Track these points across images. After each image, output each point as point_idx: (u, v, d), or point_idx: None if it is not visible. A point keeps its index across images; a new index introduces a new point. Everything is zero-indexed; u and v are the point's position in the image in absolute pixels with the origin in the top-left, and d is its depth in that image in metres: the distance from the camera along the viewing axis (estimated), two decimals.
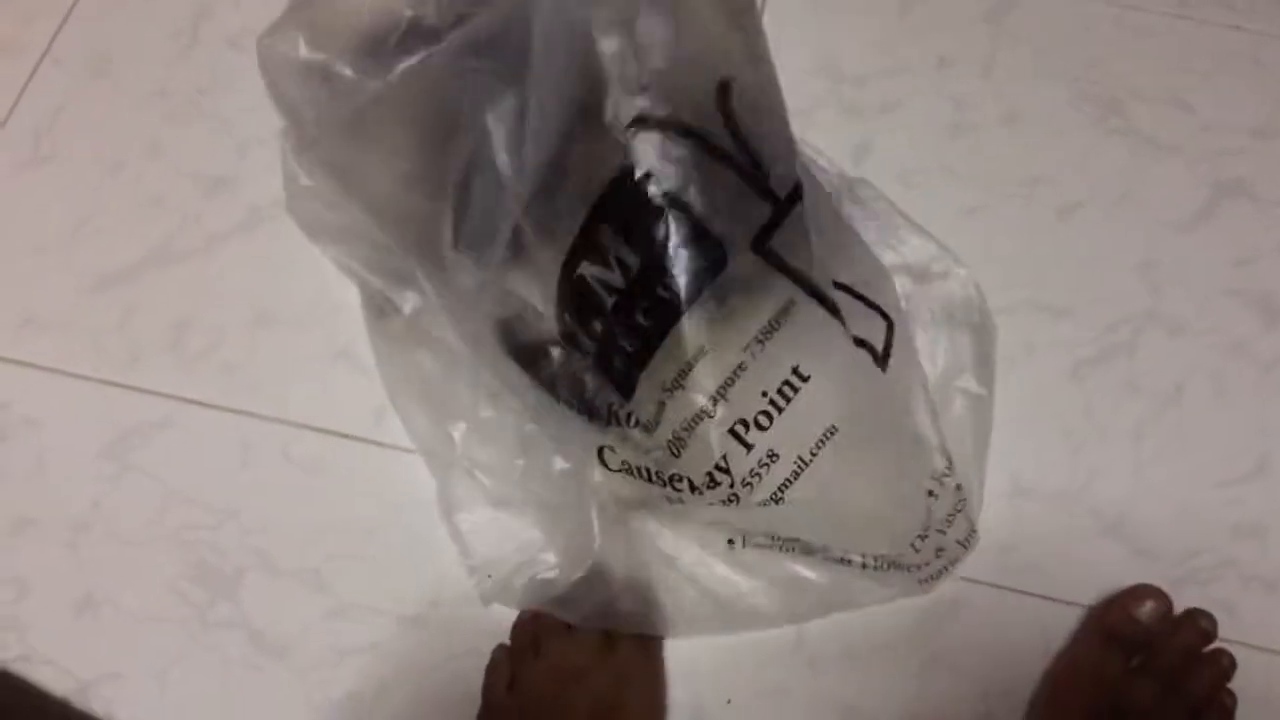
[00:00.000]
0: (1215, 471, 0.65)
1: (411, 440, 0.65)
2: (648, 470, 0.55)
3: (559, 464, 0.61)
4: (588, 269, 0.52)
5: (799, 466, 0.52)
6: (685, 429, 0.52)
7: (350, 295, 0.67)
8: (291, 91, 0.55)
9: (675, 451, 0.52)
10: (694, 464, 0.52)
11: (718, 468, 0.52)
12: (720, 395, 0.51)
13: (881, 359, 0.57)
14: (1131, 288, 0.70)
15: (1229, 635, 0.60)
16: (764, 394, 0.51)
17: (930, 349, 0.65)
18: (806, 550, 0.59)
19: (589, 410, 0.56)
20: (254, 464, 0.67)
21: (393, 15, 0.53)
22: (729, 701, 0.61)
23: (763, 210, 0.51)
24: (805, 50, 0.77)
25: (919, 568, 0.59)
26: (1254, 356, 0.68)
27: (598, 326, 0.53)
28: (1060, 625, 0.62)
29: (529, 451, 0.61)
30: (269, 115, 0.60)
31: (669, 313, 0.50)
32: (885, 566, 0.59)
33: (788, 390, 0.51)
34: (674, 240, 0.49)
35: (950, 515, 0.59)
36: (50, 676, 0.62)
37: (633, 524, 0.61)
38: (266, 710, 0.62)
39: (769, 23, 0.77)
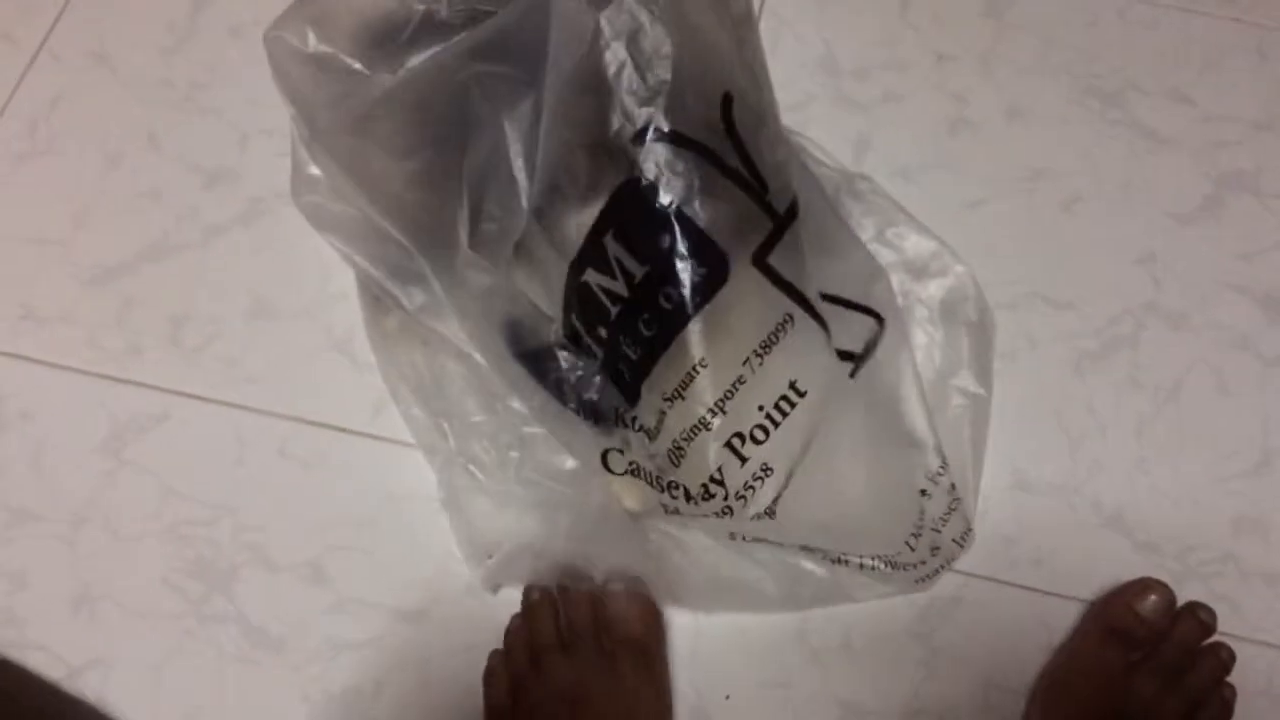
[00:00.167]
0: (1217, 466, 0.65)
1: (411, 434, 0.65)
2: (650, 473, 0.55)
3: (562, 461, 0.61)
4: (592, 276, 0.52)
5: (788, 480, 0.53)
6: (685, 439, 0.52)
7: (349, 288, 0.67)
8: (300, 84, 0.54)
9: (674, 461, 0.53)
10: (691, 474, 0.53)
11: (713, 480, 0.52)
12: (719, 408, 0.51)
13: (863, 358, 0.57)
14: (1133, 281, 0.70)
15: (1230, 630, 0.60)
16: (760, 408, 0.52)
17: (928, 347, 0.65)
18: (805, 548, 0.59)
19: (595, 414, 0.56)
20: (251, 458, 0.66)
21: (404, 8, 0.53)
22: (727, 697, 0.61)
23: (763, 224, 0.52)
24: (805, 45, 0.77)
25: (915, 566, 0.59)
26: (1256, 350, 0.68)
27: (603, 333, 0.54)
28: (1061, 619, 0.62)
29: (526, 447, 0.61)
30: (269, 107, 0.60)
31: (671, 323, 0.51)
32: (882, 565, 0.59)
33: (784, 405, 0.52)
34: (678, 251, 0.50)
35: (945, 514, 0.60)
36: (48, 672, 0.62)
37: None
38: (262, 704, 0.61)
39: (769, 18, 0.77)
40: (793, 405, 0.52)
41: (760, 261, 0.52)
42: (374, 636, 0.62)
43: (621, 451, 0.57)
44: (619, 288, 0.52)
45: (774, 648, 0.62)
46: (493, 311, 0.57)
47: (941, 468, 0.60)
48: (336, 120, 0.54)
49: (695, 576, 0.60)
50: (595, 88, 0.49)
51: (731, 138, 0.51)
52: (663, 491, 0.55)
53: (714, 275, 0.51)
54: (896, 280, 0.65)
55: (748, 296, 0.51)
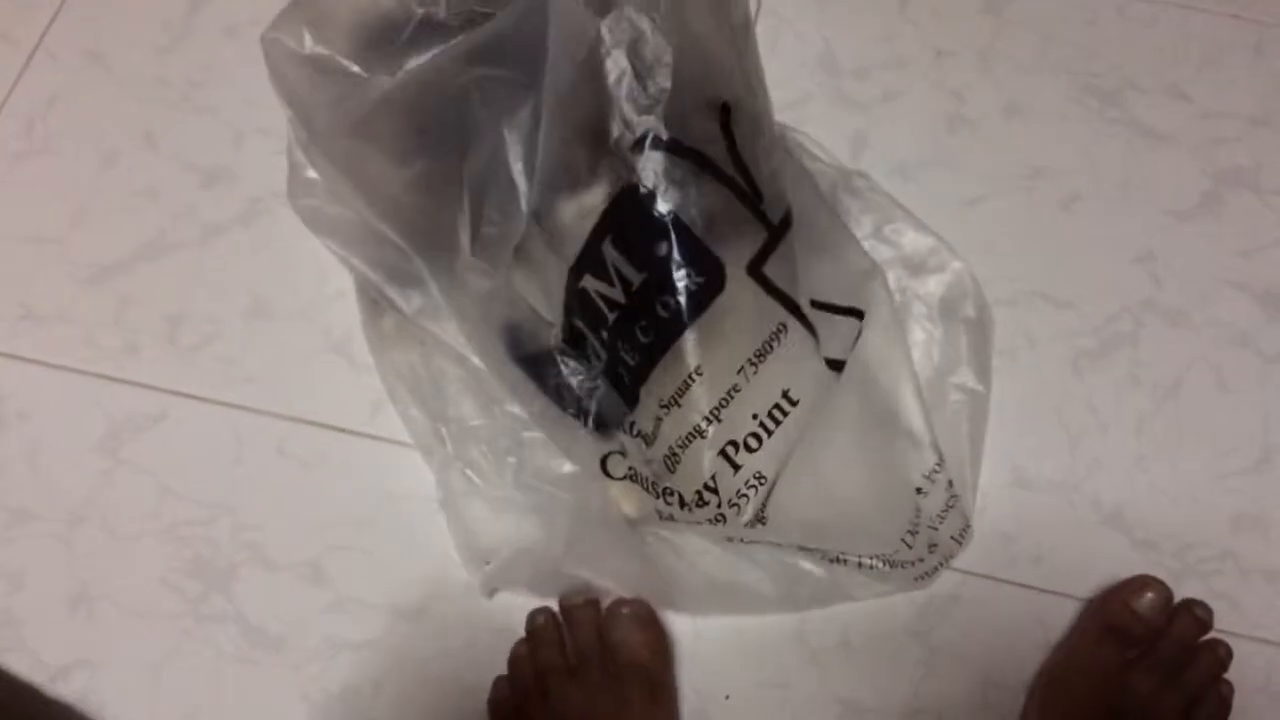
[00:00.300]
0: (1216, 463, 0.65)
1: (409, 434, 0.65)
2: (647, 479, 0.56)
3: (560, 466, 0.60)
4: (591, 282, 0.53)
5: (775, 483, 0.53)
6: (680, 446, 0.52)
7: (347, 288, 0.67)
8: (297, 86, 0.54)
9: (670, 467, 0.53)
10: (686, 481, 0.53)
11: (706, 487, 0.52)
12: (714, 415, 0.52)
13: (845, 361, 0.57)
14: (1132, 279, 0.69)
15: (1230, 627, 0.60)
16: (754, 416, 0.52)
17: (926, 344, 0.65)
18: (803, 549, 0.59)
19: (595, 419, 0.56)
20: (249, 457, 0.66)
21: (401, 10, 0.53)
22: (727, 698, 0.61)
23: (759, 234, 0.52)
24: (804, 42, 0.77)
25: (913, 564, 0.59)
26: (1256, 347, 0.68)
27: (602, 338, 0.54)
28: (1060, 617, 0.62)
29: (523, 451, 0.61)
30: (265, 106, 0.60)
31: (668, 331, 0.51)
32: (880, 564, 0.59)
33: (777, 414, 0.52)
34: (675, 259, 0.50)
35: (942, 511, 0.60)
36: (46, 674, 0.62)
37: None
38: (261, 704, 0.61)
39: (768, 16, 0.77)
40: (785, 414, 0.53)
41: (755, 271, 0.52)
42: (373, 636, 0.62)
43: (622, 455, 0.57)
44: (616, 294, 0.52)
45: (773, 648, 0.62)
46: (492, 315, 0.57)
47: (937, 464, 0.60)
48: (334, 123, 0.54)
49: (692, 580, 0.60)
50: (595, 94, 0.49)
51: (729, 147, 0.52)
52: (658, 498, 0.55)
53: (710, 284, 0.51)
54: (894, 277, 0.65)
55: (743, 305, 0.52)
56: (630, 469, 0.56)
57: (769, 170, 0.53)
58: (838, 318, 0.57)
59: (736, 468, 0.52)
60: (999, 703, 0.60)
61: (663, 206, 0.50)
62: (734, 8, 0.52)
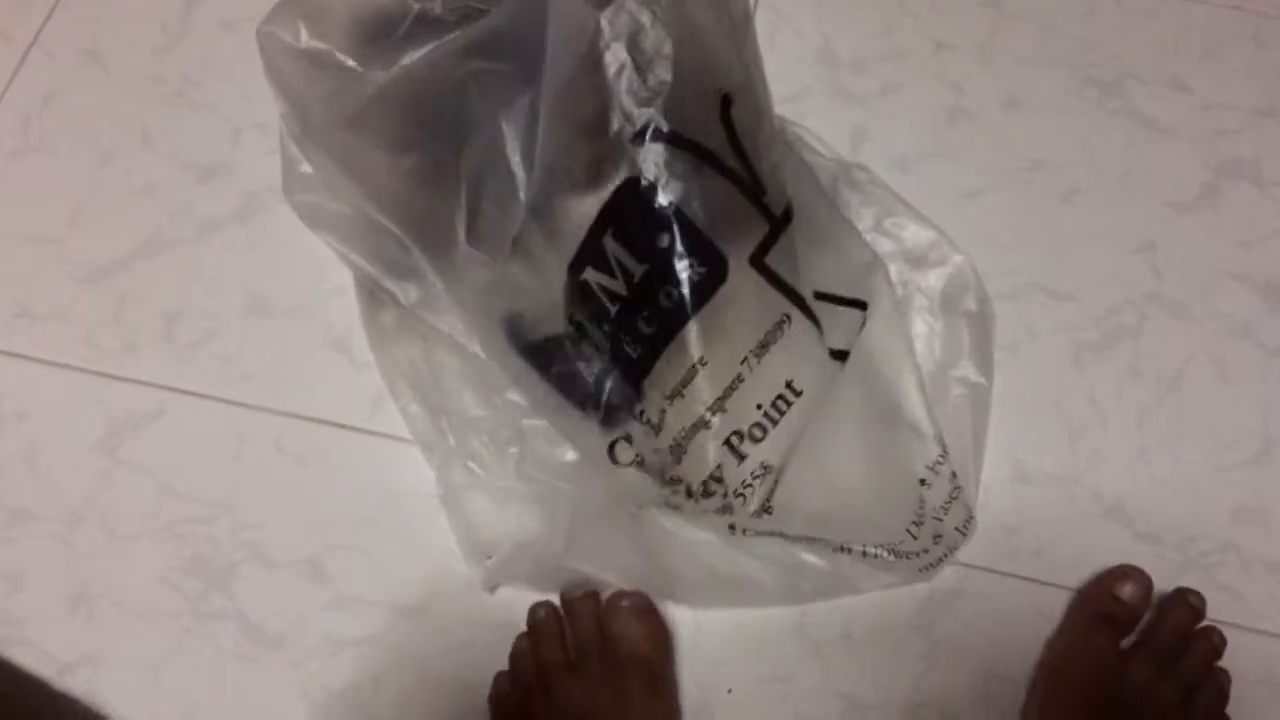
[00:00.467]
0: (1218, 455, 0.65)
1: (409, 430, 0.64)
2: (654, 467, 0.56)
3: (563, 455, 0.60)
4: (592, 275, 0.53)
5: (781, 474, 0.53)
6: (685, 436, 0.53)
7: (346, 284, 0.67)
8: (292, 80, 0.54)
9: (676, 457, 0.53)
10: (692, 471, 0.53)
11: (712, 477, 0.53)
12: (718, 406, 0.52)
13: (849, 351, 0.57)
14: (1133, 271, 0.69)
15: (1232, 619, 0.60)
16: (759, 406, 0.52)
17: (928, 337, 0.65)
18: (808, 540, 0.59)
19: (601, 407, 0.56)
20: (249, 455, 0.66)
21: (398, 4, 0.53)
22: (729, 691, 0.61)
23: (760, 226, 0.52)
24: (802, 36, 0.77)
25: (918, 555, 0.59)
26: (1257, 339, 0.67)
27: (604, 331, 0.54)
28: (1061, 610, 0.62)
29: (525, 441, 0.61)
30: (262, 102, 0.60)
31: (671, 321, 0.51)
32: (885, 554, 0.59)
33: (781, 404, 0.53)
34: (677, 250, 0.50)
35: (946, 503, 0.59)
36: (46, 674, 0.61)
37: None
38: (261, 702, 0.61)
39: (767, 10, 0.77)
40: (789, 404, 0.53)
41: (758, 262, 0.52)
42: (373, 633, 0.62)
43: (629, 441, 0.57)
44: (618, 287, 0.52)
45: (774, 641, 0.61)
46: (492, 306, 0.57)
47: (941, 456, 0.60)
48: (330, 116, 0.54)
49: (694, 573, 0.60)
50: (595, 87, 0.49)
51: (730, 139, 0.52)
52: (665, 486, 0.55)
53: (713, 275, 0.51)
54: (895, 270, 0.65)
55: (745, 297, 0.52)
56: (637, 455, 0.56)
57: (770, 162, 0.53)
58: (841, 309, 0.57)
59: (741, 458, 0.52)
60: (1001, 695, 0.60)
61: (664, 199, 0.50)
62: (733, 0, 0.52)
